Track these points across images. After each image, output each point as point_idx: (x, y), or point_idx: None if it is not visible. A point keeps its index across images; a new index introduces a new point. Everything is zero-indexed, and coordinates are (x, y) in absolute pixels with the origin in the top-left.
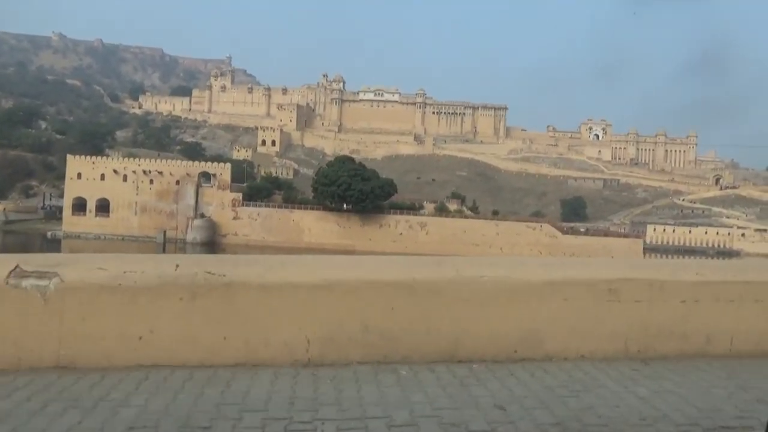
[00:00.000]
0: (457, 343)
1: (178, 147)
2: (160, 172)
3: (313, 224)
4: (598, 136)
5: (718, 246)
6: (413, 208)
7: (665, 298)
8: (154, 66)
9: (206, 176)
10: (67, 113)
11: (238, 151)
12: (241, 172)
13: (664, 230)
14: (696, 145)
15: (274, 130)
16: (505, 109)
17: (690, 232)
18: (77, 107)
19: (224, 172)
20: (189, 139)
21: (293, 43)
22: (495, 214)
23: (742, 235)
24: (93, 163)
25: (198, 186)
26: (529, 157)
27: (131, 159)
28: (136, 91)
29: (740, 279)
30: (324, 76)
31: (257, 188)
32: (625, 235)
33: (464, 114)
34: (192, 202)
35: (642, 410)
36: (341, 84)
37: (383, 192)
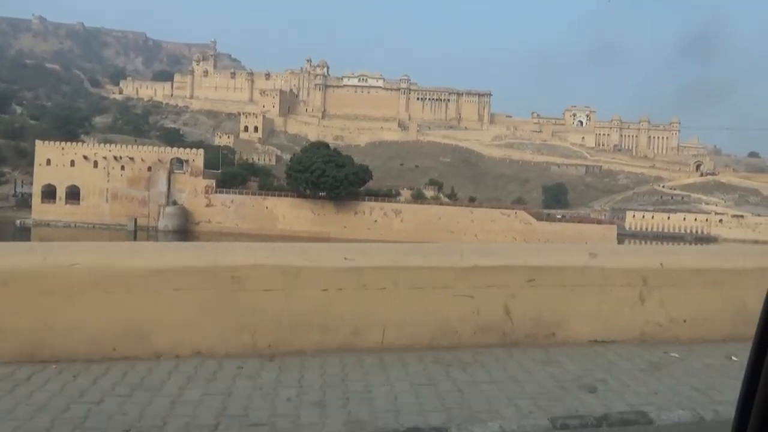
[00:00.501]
0: (40, 343)
1: (157, 133)
2: (132, 159)
3: (287, 211)
4: (582, 122)
5: (696, 232)
6: (390, 195)
7: (302, 286)
8: (137, 50)
9: (182, 163)
10: (45, 98)
11: (220, 137)
12: (220, 159)
13: (643, 216)
14: (679, 131)
15: (256, 116)
16: (490, 95)
17: (668, 218)
18: (56, 92)
19: (197, 158)
20: (170, 125)
21: (279, 28)
22: (472, 200)
23: (720, 221)
24: (62, 149)
25: (170, 172)
26: (513, 143)
27: (102, 145)
28: (117, 76)
29: (397, 264)
30: (308, 61)
31: (231, 175)
32: (599, 222)
33: (449, 100)
34: (164, 189)
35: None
36: (325, 69)
37: (358, 179)
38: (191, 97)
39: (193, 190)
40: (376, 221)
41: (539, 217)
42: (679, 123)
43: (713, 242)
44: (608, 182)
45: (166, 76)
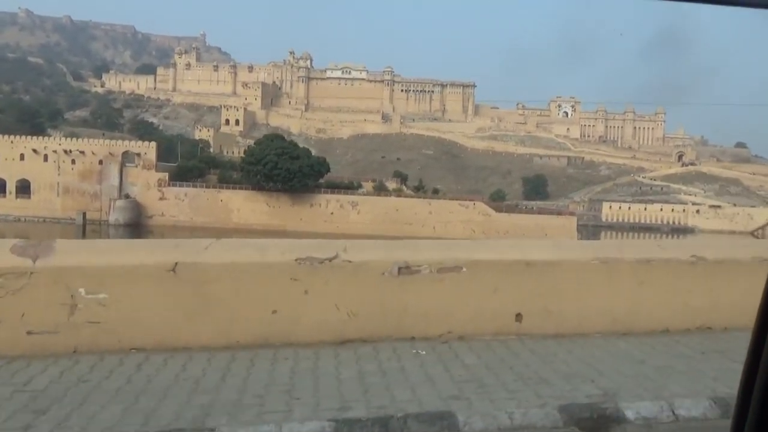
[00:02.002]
0: None
1: (130, 127)
2: (82, 152)
3: (242, 204)
4: (567, 113)
5: (673, 223)
6: (351, 187)
7: None
8: (126, 44)
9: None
10: (23, 92)
11: (200, 130)
12: (179, 153)
13: (620, 207)
14: (664, 122)
15: (237, 109)
16: (473, 86)
17: (645, 209)
18: (36, 86)
19: (149, 151)
20: (151, 119)
21: (268, 21)
22: (435, 192)
23: (697, 211)
24: (11, 142)
25: (122, 166)
26: (497, 135)
27: (51, 138)
28: (101, 70)
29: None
30: (291, 53)
31: (187, 168)
32: (559, 213)
33: (433, 92)
34: (116, 182)
35: None
36: (308, 61)
37: (312, 171)
38: (174, 90)
39: (146, 183)
40: (332, 214)
41: (498, 209)
42: (664, 113)
43: (690, 233)
44: (590, 173)
45: (150, 70)
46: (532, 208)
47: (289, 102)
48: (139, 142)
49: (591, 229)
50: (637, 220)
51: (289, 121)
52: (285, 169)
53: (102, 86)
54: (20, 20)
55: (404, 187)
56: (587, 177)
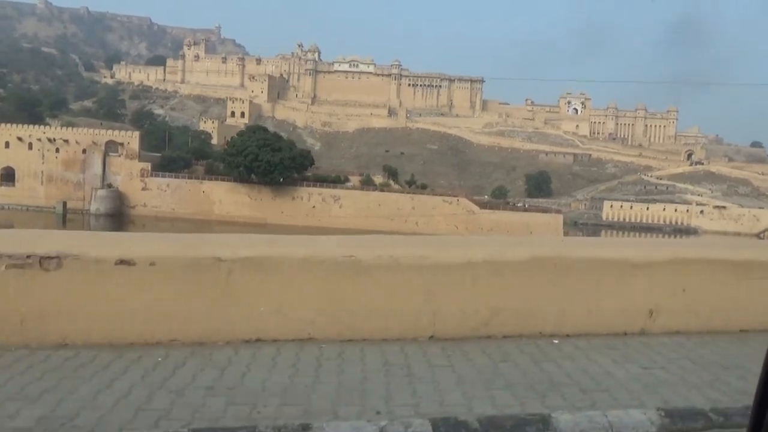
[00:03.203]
0: None
1: (131, 117)
2: (66, 141)
3: (224, 196)
4: (576, 110)
5: (676, 223)
6: (337, 181)
7: None
8: (141, 35)
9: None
10: (33, 82)
11: (205, 122)
12: (166, 142)
13: (621, 206)
14: (676, 120)
15: (243, 102)
16: (482, 81)
17: (647, 208)
18: (47, 76)
19: (132, 140)
20: (157, 110)
21: (282, 13)
22: (423, 187)
23: (701, 212)
24: None
25: (105, 155)
26: (504, 131)
27: (37, 126)
28: (112, 61)
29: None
30: (299, 46)
31: (172, 158)
32: (545, 210)
33: (440, 86)
34: (99, 171)
35: None
36: (316, 54)
37: (295, 163)
38: (182, 81)
39: (129, 173)
40: (314, 207)
41: (482, 205)
42: (677, 111)
43: (693, 234)
44: (596, 171)
45: (160, 61)
46: (524, 205)
47: (296, 95)
48: (123, 132)
49: (591, 228)
50: (638, 220)
51: (295, 114)
52: (266, 161)
53: (112, 77)
54: (39, 11)
55: (392, 182)
56: (593, 175)
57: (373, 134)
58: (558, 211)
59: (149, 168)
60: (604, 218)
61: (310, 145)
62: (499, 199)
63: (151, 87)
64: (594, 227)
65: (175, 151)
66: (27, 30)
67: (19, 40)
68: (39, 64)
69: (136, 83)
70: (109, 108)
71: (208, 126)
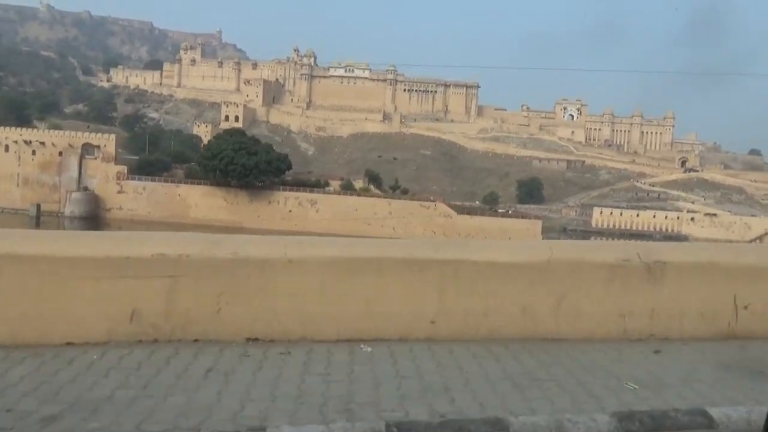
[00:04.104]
0: None
1: (121, 120)
2: (42, 143)
3: (200, 200)
4: (573, 116)
5: (666, 230)
6: (318, 186)
7: None
8: (143, 39)
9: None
10: (29, 85)
11: (198, 126)
12: (146, 145)
13: (611, 213)
14: (673, 126)
15: (237, 106)
16: (477, 87)
17: (638, 215)
18: (43, 79)
19: (109, 143)
20: (152, 114)
21: (284, 19)
22: (405, 192)
23: (692, 219)
24: None
25: (81, 158)
26: (498, 136)
27: (14, 128)
28: (110, 64)
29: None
30: (295, 50)
31: (149, 161)
32: (523, 216)
33: (436, 92)
34: (75, 174)
35: None
36: (312, 59)
37: (271, 167)
38: (178, 85)
39: (105, 176)
40: (290, 211)
41: (460, 211)
42: (674, 118)
43: (683, 241)
44: (589, 178)
45: (158, 65)
46: (507, 211)
47: (292, 99)
48: (99, 135)
49: (580, 235)
50: (628, 227)
51: (289, 118)
52: (241, 164)
53: (108, 81)
54: (41, 15)
55: (372, 187)
56: (586, 181)
57: (367, 139)
58: (537, 218)
59: (126, 171)
60: (593, 225)
61: (303, 150)
62: (489, 204)
63: (147, 91)
64: (583, 234)
65: (156, 154)
66: (29, 34)
67: (20, 43)
68: (37, 67)
69: (132, 87)
70: (99, 111)
71: (201, 130)
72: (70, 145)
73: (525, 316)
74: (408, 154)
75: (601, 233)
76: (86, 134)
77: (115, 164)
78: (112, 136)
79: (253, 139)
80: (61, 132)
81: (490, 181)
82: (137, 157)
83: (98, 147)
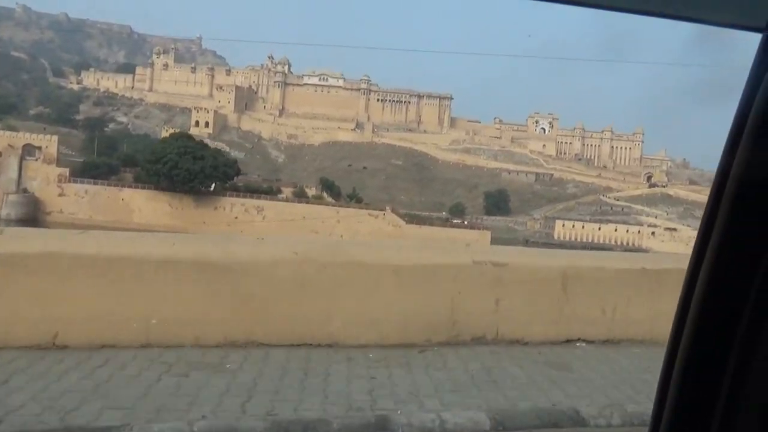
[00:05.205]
0: None
1: (83, 123)
2: None
3: (144, 204)
4: (544, 129)
5: (627, 244)
6: (269, 192)
7: None
8: (121, 43)
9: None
10: None
11: (167, 131)
12: (95, 147)
13: (573, 226)
14: (642, 142)
15: (208, 111)
16: (450, 98)
17: (599, 228)
18: (9, 80)
19: (50, 145)
20: (121, 118)
21: (265, 28)
22: (358, 201)
23: (652, 233)
24: None
25: (21, 159)
26: (470, 148)
27: None
28: (82, 67)
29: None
30: (269, 57)
31: (95, 164)
32: (472, 227)
33: (409, 102)
34: (14, 175)
35: None
36: (286, 66)
37: (217, 172)
38: (150, 90)
39: (46, 178)
40: (236, 218)
41: (409, 220)
42: (642, 134)
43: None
44: (556, 191)
45: (130, 69)
46: (463, 221)
47: (264, 106)
48: (40, 136)
49: (541, 246)
50: (590, 240)
51: (261, 125)
52: (185, 169)
53: (79, 83)
54: (17, 16)
55: (325, 195)
56: (553, 194)
57: (338, 148)
58: (486, 229)
59: (68, 174)
60: (555, 237)
61: (274, 157)
62: (455, 216)
63: (117, 94)
64: (544, 246)
65: (102, 157)
66: (3, 34)
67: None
68: (4, 68)
69: (102, 90)
70: (61, 113)
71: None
72: (10, 146)
73: None
74: (379, 164)
75: (562, 245)
76: (26, 135)
77: (58, 166)
78: (55, 138)
79: (201, 143)
80: (1, 132)
81: (459, 193)
82: (81, 160)
83: (39, 148)
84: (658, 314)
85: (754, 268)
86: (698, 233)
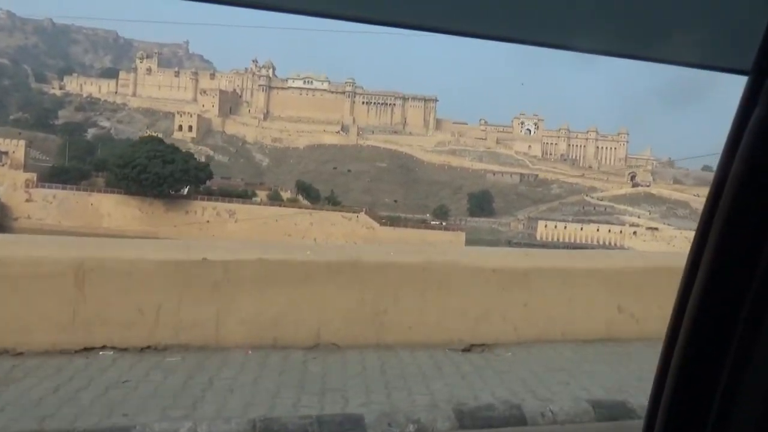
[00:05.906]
0: None
1: (61, 128)
2: None
3: (114, 209)
4: (530, 130)
5: (609, 244)
6: (244, 195)
7: None
8: (107, 48)
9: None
10: None
11: (150, 135)
12: (67, 151)
13: (555, 227)
14: (627, 142)
15: (191, 116)
16: (435, 100)
17: (581, 229)
18: None
19: (17, 149)
20: (104, 123)
21: (251, 32)
22: (335, 204)
23: (634, 233)
24: None
25: None
26: (455, 150)
27: None
28: (65, 72)
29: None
30: (254, 61)
31: (64, 169)
32: (447, 229)
33: (394, 104)
34: None
35: None
36: (270, 70)
37: (188, 176)
38: (133, 94)
39: (12, 183)
40: (208, 221)
41: (383, 222)
42: (627, 134)
43: None
44: (541, 191)
45: (114, 74)
46: (441, 223)
47: (249, 110)
48: (7, 140)
49: (522, 247)
50: (572, 240)
51: (245, 129)
52: (154, 173)
53: (61, 89)
54: (0, 21)
55: (300, 198)
56: (537, 195)
57: (323, 151)
58: (460, 230)
59: (35, 178)
60: (538, 238)
61: (258, 161)
62: (439, 218)
63: (99, 99)
64: (527, 247)
65: (76, 162)
66: None
67: None
68: None
69: (85, 95)
70: (39, 118)
71: None
72: None
73: None
74: (363, 167)
75: (545, 246)
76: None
77: (25, 171)
78: (22, 142)
79: (172, 147)
80: None
81: (443, 194)
82: (50, 165)
83: (6, 153)
84: None
85: (751, 267)
86: (696, 232)
